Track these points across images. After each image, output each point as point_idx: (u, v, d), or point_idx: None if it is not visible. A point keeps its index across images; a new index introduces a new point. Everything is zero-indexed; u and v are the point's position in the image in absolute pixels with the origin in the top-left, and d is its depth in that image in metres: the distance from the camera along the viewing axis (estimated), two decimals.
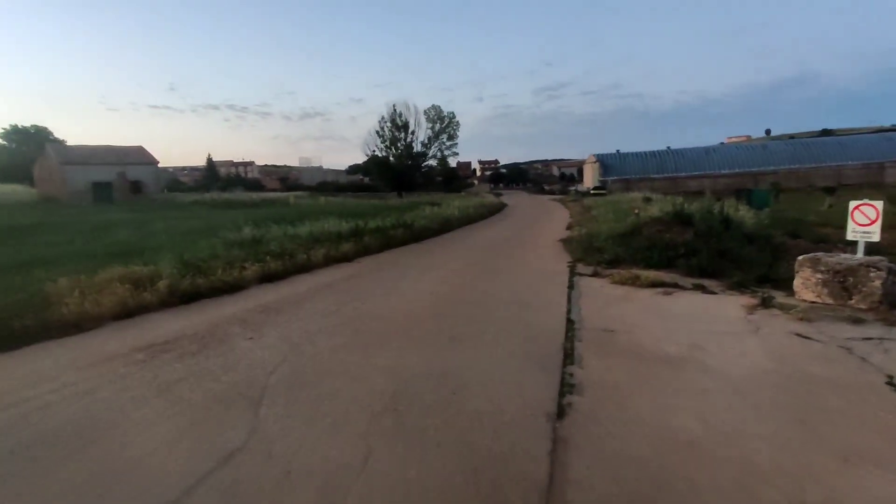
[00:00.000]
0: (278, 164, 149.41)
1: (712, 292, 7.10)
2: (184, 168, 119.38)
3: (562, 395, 3.78)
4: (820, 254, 6.21)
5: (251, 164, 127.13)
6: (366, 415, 3.58)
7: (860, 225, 6.12)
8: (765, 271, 7.89)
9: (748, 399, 3.63)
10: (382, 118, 59.51)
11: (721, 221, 10.37)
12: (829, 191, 34.42)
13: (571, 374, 4.19)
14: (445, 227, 19.29)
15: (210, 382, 4.31)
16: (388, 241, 13.89)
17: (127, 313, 6.78)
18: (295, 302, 7.43)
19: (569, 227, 17.69)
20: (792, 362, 4.28)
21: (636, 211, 12.57)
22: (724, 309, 6.17)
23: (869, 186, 47.02)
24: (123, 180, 42.86)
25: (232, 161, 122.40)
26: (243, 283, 8.54)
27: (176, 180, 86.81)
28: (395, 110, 59.20)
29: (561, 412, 3.49)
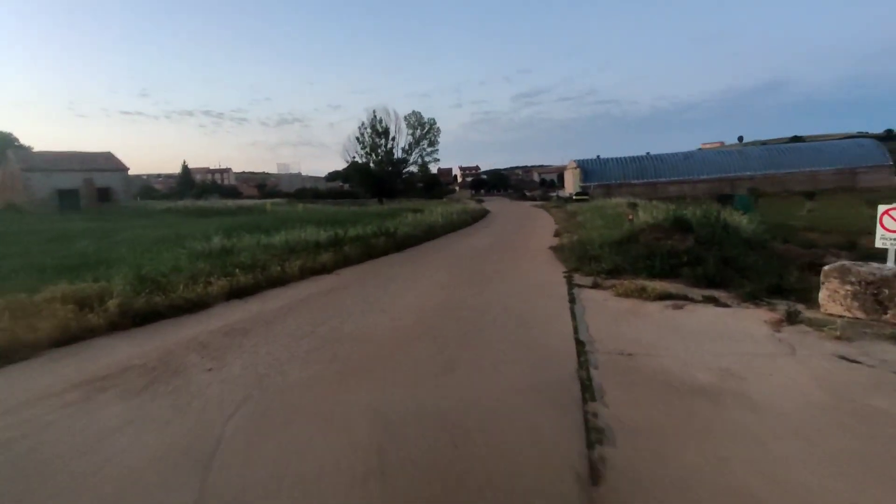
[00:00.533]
0: (256, 170, 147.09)
1: (726, 305, 6.52)
2: (158, 175, 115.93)
3: (589, 444, 3.06)
4: (848, 263, 5.67)
5: (227, 170, 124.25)
6: (344, 480, 2.80)
7: (890, 231, 5.61)
8: (775, 281, 7.35)
9: (818, 448, 2.97)
10: (362, 124, 58.74)
11: (722, 228, 9.89)
12: (809, 195, 34.85)
13: (595, 414, 3.48)
14: (429, 234, 18.57)
15: (152, 433, 3.48)
16: (369, 250, 13.09)
17: (69, 339, 5.86)
18: (265, 321, 6.59)
19: (557, 234, 17.13)
20: (850, 395, 3.66)
21: (630, 217, 12.06)
22: (746, 325, 5.57)
23: (843, 191, 48.10)
24: (91, 187, 40.96)
25: (208, 168, 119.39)
26: (208, 301, 7.65)
27: (149, 187, 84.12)
28: (375, 116, 58.47)
29: (594, 472, 2.77)
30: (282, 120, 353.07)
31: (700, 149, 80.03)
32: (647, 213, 14.26)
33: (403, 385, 4.22)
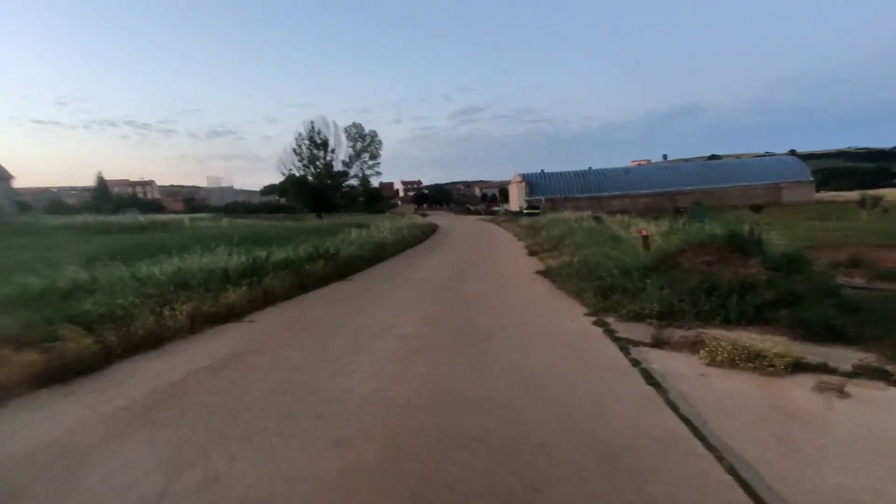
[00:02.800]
0: (185, 184, 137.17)
1: None
2: (73, 188, 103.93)
3: None
4: None
5: (151, 183, 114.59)
6: None
7: None
8: None
9: None
10: (300, 135, 54.50)
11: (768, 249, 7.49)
12: (756, 209, 35.01)
13: None
14: (379, 254, 15.31)
15: None
16: (301, 279, 9.66)
17: None
18: (71, 456, 3.13)
19: (533, 253, 14.44)
20: None
21: (643, 233, 9.57)
22: None
23: (775, 206, 49.96)
24: None
25: (128, 180, 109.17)
26: None
27: (58, 201, 74.21)
28: (313, 127, 54.43)
29: None
30: (213, 132, 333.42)
31: (639, 164, 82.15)
32: (655, 228, 11.94)
33: None
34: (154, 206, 75.42)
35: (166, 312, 6.32)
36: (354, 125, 58.25)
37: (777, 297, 5.67)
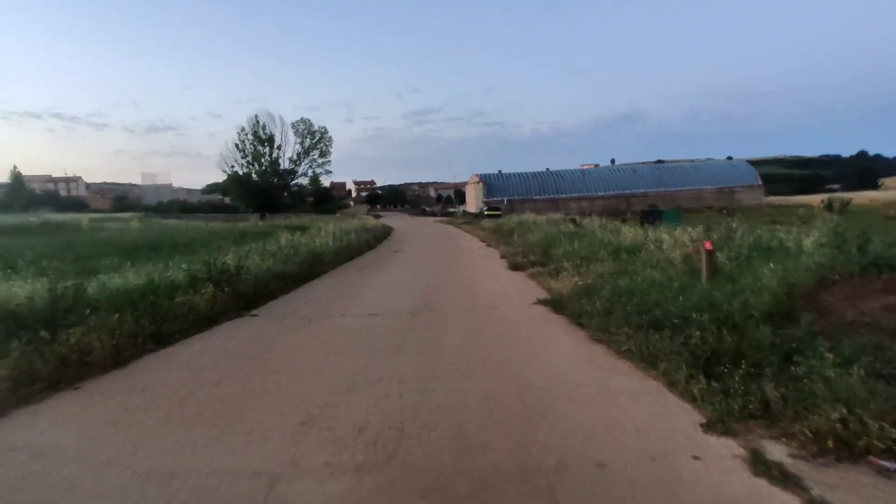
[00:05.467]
0: (120, 181, 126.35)
1: None
2: None
3: None
4: None
5: (77, 179, 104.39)
6: None
7: None
8: None
9: None
10: (242, 130, 49.37)
11: None
12: (729, 212, 33.66)
13: None
14: (311, 268, 11.44)
15: None
16: (159, 323, 5.72)
17: None
18: None
19: (517, 267, 11.04)
20: None
21: (706, 245, 6.24)
22: None
23: (730, 208, 49.82)
24: None
25: (50, 176, 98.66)
26: None
27: None
28: (257, 122, 49.40)
29: None
30: (152, 127, 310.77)
31: (597, 167, 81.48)
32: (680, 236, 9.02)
33: None
34: (76, 205, 67.75)
35: None
36: (303, 121, 53.86)
37: None
